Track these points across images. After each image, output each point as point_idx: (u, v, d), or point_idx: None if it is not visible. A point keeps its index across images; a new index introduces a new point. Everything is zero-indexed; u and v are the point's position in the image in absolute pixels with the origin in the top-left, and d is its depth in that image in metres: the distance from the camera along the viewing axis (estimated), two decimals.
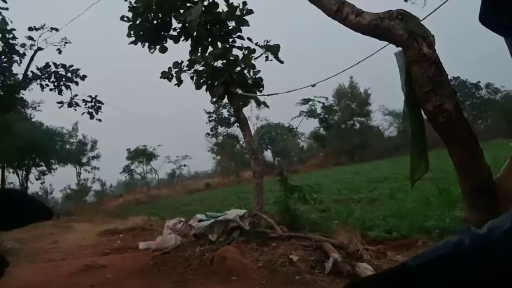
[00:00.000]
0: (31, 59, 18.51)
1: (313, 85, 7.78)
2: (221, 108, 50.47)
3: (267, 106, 11.75)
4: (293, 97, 43.13)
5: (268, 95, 10.58)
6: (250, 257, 7.42)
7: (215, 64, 10.73)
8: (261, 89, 11.00)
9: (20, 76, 17.75)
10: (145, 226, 15.93)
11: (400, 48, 4.25)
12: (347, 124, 55.97)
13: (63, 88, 18.74)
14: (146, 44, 11.01)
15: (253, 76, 10.87)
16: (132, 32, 10.85)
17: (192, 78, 11.26)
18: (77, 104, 19.01)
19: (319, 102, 12.87)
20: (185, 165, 54.64)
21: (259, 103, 12.09)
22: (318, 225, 10.13)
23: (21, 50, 17.78)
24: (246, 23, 10.66)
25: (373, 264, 6.45)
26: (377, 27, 4.24)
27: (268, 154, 60.23)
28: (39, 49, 18.59)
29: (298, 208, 11.02)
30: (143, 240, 12.60)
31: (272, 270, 6.76)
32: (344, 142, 50.95)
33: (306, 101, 12.56)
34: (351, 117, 55.85)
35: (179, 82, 11.27)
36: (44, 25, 18.54)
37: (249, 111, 47.27)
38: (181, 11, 10.38)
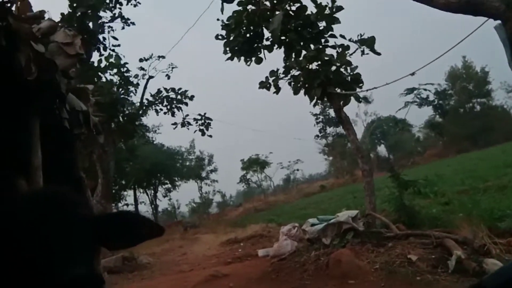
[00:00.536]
0: (145, 87, 20.28)
1: (413, 74, 7.38)
2: (327, 108, 50.04)
3: (369, 102, 11.48)
4: (400, 88, 41.13)
5: (367, 90, 10.24)
6: (365, 259, 7.22)
7: (310, 66, 10.71)
8: (361, 85, 10.70)
9: (137, 104, 19.49)
10: (264, 233, 16.32)
11: (499, 21, 3.85)
12: (465, 107, 51.38)
13: (175, 110, 20.14)
14: (242, 58, 11.36)
15: (351, 73, 10.62)
16: (227, 49, 11.28)
17: (289, 84, 11.38)
18: (189, 124, 20.32)
19: (426, 90, 12.09)
20: (298, 170, 55.05)
21: (358, 99, 11.73)
22: (439, 220, 9.43)
23: (135, 81, 19.57)
24: (337, 21, 10.45)
25: (503, 259, 5.85)
26: (468, 3, 3.89)
27: (382, 149, 58.10)
28: (150, 77, 20.28)
29: (417, 203, 10.44)
30: (262, 247, 12.94)
31: (390, 271, 6.50)
32: (465, 127, 46.82)
33: (410, 90, 11.95)
34: (469, 100, 51.16)
35: (277, 89, 11.45)
36: (152, 54, 20.22)
37: (356, 107, 46.05)
38: (271, 20, 10.54)
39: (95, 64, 16.85)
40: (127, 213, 2.15)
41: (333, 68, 10.54)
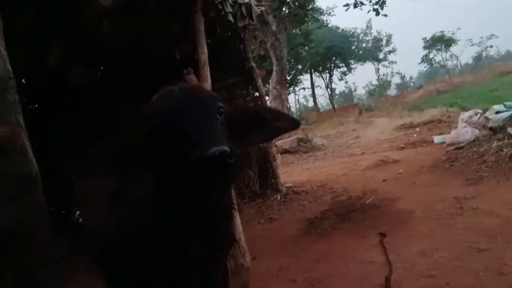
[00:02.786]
0: None
1: None
2: None
3: None
4: None
5: None
6: None
7: None
8: None
9: None
10: (442, 119, 15.29)
11: None
12: None
13: None
14: None
15: None
16: None
17: None
18: (362, 4, 19.00)
19: None
20: (491, 46, 48.37)
21: None
22: None
23: None
24: None
25: None
26: None
27: None
28: None
29: None
30: (438, 134, 12.26)
31: None
32: None
33: None
34: None
35: None
36: None
37: None
38: None
39: None
40: (259, 107, 2.20)
41: None
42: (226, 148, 1.46)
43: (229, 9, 5.62)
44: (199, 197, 1.73)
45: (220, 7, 5.43)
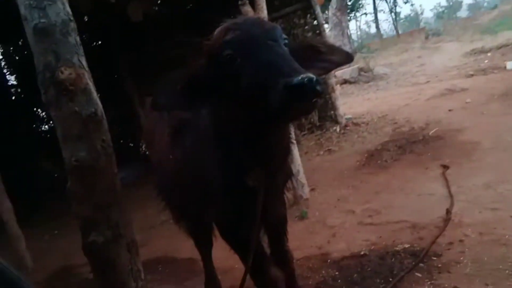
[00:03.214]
0: None
1: None
2: None
3: None
4: None
5: None
6: None
7: None
8: None
9: None
10: None
11: None
12: None
13: None
14: None
15: None
16: None
17: None
18: None
19: None
20: None
21: None
22: None
23: None
24: None
25: None
26: None
27: None
28: None
29: None
30: None
31: None
32: None
33: None
34: None
35: None
36: None
37: None
38: None
39: None
40: (318, 41, 2.16)
41: None
42: (312, 75, 1.44)
43: None
44: (268, 129, 1.78)
45: None
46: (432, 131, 6.37)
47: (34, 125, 11.55)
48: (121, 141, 11.68)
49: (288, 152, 2.16)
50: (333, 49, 2.01)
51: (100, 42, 11.29)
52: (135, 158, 10.04)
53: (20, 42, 10.34)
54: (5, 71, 11.99)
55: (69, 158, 1.66)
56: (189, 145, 2.40)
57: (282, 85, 1.45)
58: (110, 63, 9.95)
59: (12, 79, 12.21)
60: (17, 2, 1.67)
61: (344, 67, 17.29)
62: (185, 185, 2.53)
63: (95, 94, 1.74)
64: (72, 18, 1.71)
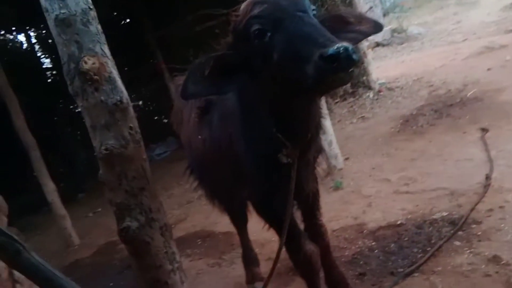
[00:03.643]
0: None
1: None
2: None
3: None
4: None
5: None
6: None
7: None
8: None
9: None
10: None
11: None
12: None
13: None
14: None
15: None
16: None
17: None
18: None
19: None
20: None
21: None
22: None
23: None
24: None
25: None
26: None
27: None
28: None
29: None
30: None
31: None
32: None
33: None
34: None
35: None
36: None
37: None
38: None
39: None
40: (346, 12, 2.09)
41: None
42: (348, 44, 1.41)
43: None
44: (301, 103, 1.77)
45: None
46: (470, 93, 6.12)
47: (71, 107, 11.87)
48: (156, 117, 11.86)
49: (319, 126, 2.14)
50: (362, 18, 1.96)
51: (129, 20, 11.36)
52: (170, 134, 10.19)
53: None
54: (40, 54, 12.30)
55: (98, 147, 1.70)
56: (217, 124, 2.41)
57: (318, 56, 1.43)
58: (140, 40, 10.04)
59: (47, 62, 12.55)
60: None
61: None
62: (215, 164, 2.56)
63: (119, 82, 1.75)
64: (92, 7, 1.72)
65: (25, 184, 9.41)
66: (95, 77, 1.64)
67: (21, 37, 12.16)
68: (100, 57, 1.68)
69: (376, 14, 18.70)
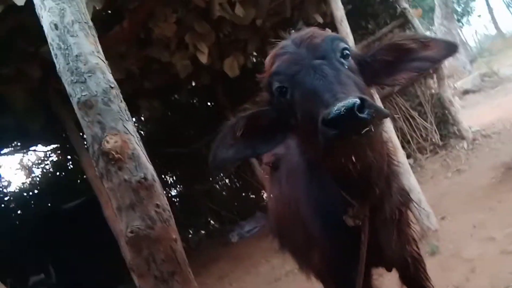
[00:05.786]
0: None
1: None
2: None
3: None
4: None
5: None
6: None
7: None
8: None
9: None
10: None
11: None
12: None
13: None
14: None
15: None
16: None
17: None
18: None
19: None
20: None
21: None
22: None
23: None
24: None
25: None
26: None
27: None
28: None
29: None
30: None
31: None
32: None
33: None
34: None
35: None
36: None
37: None
38: None
39: None
40: (405, 37, 1.78)
41: None
42: (353, 99, 1.21)
43: None
44: (338, 157, 1.47)
45: None
46: None
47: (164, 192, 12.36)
48: (243, 193, 11.93)
49: (392, 177, 1.80)
50: (428, 42, 1.68)
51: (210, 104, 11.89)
52: (259, 209, 10.14)
53: (142, 118, 11.32)
54: None
55: (125, 230, 1.59)
56: (285, 181, 2.25)
57: (320, 120, 1.25)
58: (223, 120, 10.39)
59: None
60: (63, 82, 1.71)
61: (464, 75, 15.89)
62: (287, 227, 2.35)
63: (144, 158, 1.67)
64: (113, 85, 1.70)
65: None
66: (117, 155, 1.57)
67: None
68: (122, 134, 1.63)
69: (462, 61, 17.91)
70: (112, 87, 1.70)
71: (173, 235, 1.63)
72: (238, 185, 12.00)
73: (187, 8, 5.29)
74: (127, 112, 1.73)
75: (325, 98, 1.31)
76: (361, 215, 1.67)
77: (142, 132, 11.74)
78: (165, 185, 11.77)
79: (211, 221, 12.01)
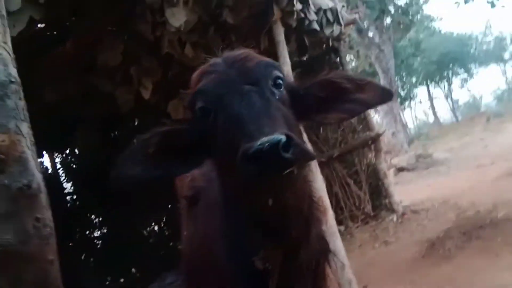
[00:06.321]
0: None
1: None
2: None
3: None
4: None
5: None
6: None
7: None
8: None
9: None
10: None
11: None
12: None
13: None
14: None
15: None
16: None
17: None
18: None
19: None
20: None
21: None
22: None
23: None
24: None
25: None
26: None
27: None
28: None
29: None
30: None
31: None
32: None
33: None
34: None
35: None
36: None
37: None
38: None
39: None
40: (342, 76, 1.69)
41: None
42: (278, 136, 1.10)
43: (313, 17, 5.26)
44: (256, 196, 1.32)
45: (302, 15, 5.10)
46: (501, 214, 5.56)
47: (87, 232, 11.57)
48: (170, 243, 11.41)
49: (311, 220, 1.61)
50: (363, 84, 1.60)
51: None
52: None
53: (76, 150, 10.76)
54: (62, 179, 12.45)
55: None
56: (201, 218, 2.03)
57: (241, 153, 1.12)
58: None
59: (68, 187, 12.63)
60: None
61: (401, 153, 16.62)
62: (199, 269, 2.10)
63: (32, 164, 1.45)
64: (14, 80, 1.51)
65: None
66: (1, 156, 1.35)
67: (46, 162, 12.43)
68: (12, 134, 1.41)
69: (400, 140, 18.83)
70: (12, 82, 1.49)
71: (50, 255, 1.38)
72: (167, 233, 11.51)
73: (136, 40, 5.17)
74: (25, 111, 1.52)
75: (249, 130, 1.19)
76: (273, 259, 1.50)
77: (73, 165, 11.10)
78: (90, 225, 11.05)
79: (133, 269, 11.29)
